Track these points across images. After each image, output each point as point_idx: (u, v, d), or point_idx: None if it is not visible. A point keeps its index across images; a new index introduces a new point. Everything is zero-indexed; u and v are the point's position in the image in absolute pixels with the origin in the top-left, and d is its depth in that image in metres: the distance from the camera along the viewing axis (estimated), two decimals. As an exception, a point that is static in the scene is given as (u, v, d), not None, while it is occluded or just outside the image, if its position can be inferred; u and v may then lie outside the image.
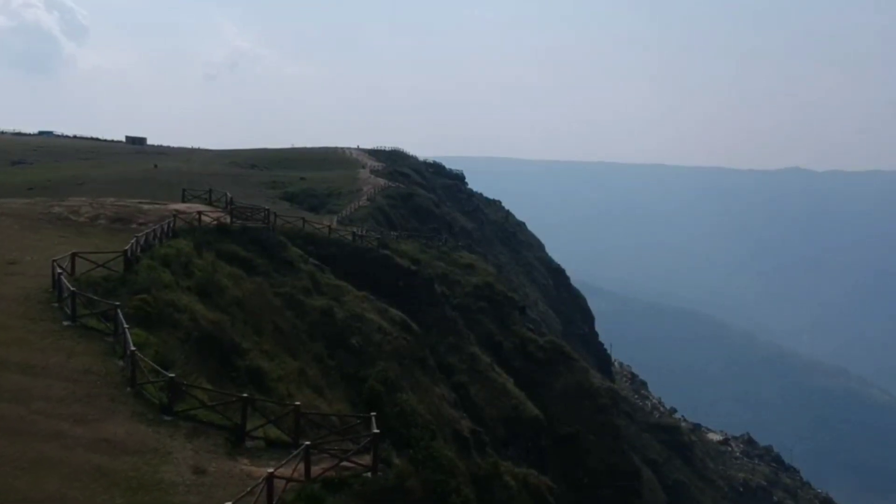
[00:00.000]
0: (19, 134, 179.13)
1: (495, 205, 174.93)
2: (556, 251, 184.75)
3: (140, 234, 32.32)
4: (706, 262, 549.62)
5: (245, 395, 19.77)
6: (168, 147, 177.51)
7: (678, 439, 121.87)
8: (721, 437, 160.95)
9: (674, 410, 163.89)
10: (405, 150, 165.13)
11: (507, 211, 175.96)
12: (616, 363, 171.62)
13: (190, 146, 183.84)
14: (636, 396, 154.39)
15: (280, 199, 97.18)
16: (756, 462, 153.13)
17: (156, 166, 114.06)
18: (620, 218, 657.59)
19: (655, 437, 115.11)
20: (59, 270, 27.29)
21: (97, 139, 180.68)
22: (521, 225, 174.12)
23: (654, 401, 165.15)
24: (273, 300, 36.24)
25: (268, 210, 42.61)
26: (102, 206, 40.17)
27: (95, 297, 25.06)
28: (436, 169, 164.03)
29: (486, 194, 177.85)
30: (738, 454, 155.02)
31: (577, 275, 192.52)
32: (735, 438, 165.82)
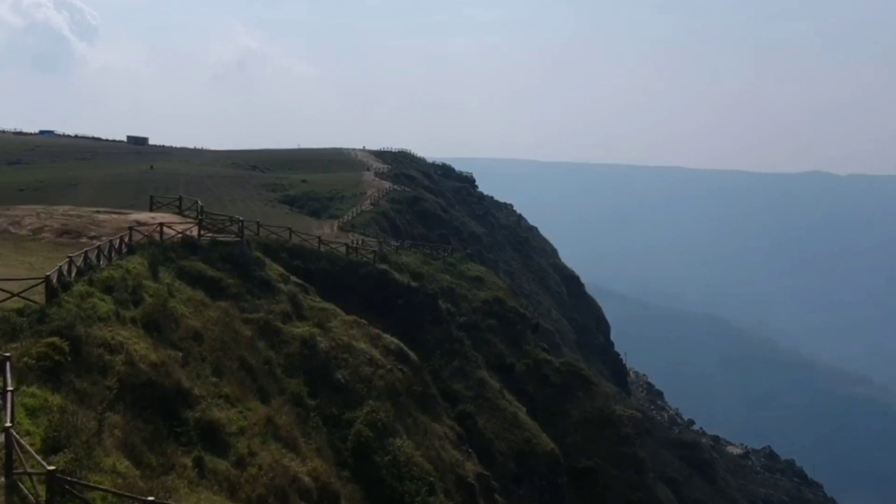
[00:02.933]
0: (20, 133, 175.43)
1: (506, 208, 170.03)
2: (569, 254, 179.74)
3: (76, 254, 26.52)
4: (724, 266, 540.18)
5: (151, 497, 14.08)
6: (170, 147, 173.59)
7: (698, 456, 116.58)
8: (741, 451, 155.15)
9: (692, 422, 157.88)
10: (412, 152, 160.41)
11: (519, 214, 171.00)
12: (632, 373, 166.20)
13: (192, 146, 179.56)
14: (653, 408, 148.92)
15: (279, 202, 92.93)
16: (778, 477, 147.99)
17: (152, 167, 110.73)
18: (635, 220, 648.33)
19: (674, 454, 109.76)
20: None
21: (98, 139, 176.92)
22: (534, 229, 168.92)
23: (671, 412, 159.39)
24: (242, 329, 30.58)
25: (242, 220, 36.85)
26: (51, 216, 34.61)
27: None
28: (444, 171, 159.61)
29: (496, 197, 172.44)
30: (758, 468, 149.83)
31: (590, 278, 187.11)
32: (755, 452, 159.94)
